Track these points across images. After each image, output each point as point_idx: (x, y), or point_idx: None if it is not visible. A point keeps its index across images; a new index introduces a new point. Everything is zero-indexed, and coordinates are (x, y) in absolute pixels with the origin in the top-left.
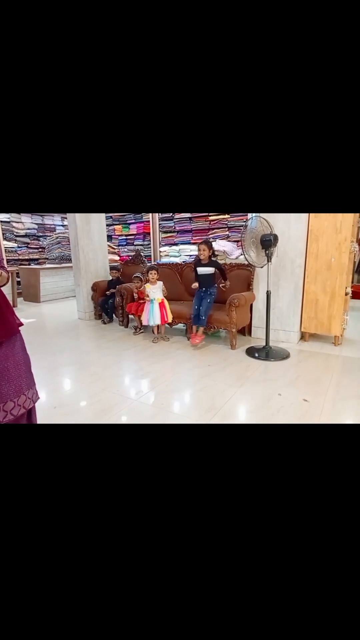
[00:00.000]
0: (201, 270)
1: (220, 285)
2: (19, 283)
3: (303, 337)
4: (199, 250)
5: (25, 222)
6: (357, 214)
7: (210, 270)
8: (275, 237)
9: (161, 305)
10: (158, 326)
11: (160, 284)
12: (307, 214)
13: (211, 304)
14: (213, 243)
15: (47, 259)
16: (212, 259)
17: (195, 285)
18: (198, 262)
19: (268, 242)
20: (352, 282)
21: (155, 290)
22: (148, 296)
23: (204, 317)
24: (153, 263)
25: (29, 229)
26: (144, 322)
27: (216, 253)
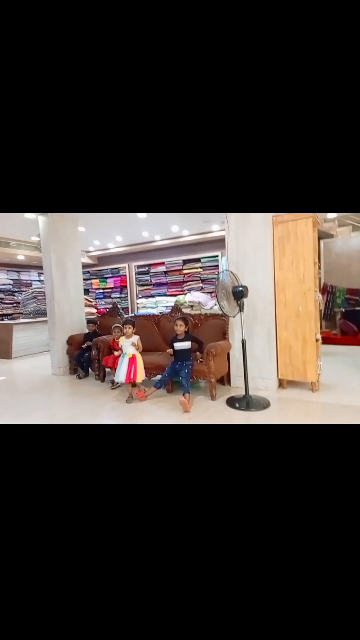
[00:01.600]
0: (178, 345)
1: (198, 360)
2: None
3: (281, 384)
4: (175, 325)
5: (1, 277)
6: (316, 266)
7: (187, 345)
8: (246, 288)
9: (131, 360)
10: (134, 383)
11: (135, 338)
12: (272, 268)
13: (189, 373)
14: (188, 295)
15: (22, 313)
16: (188, 333)
17: (171, 351)
18: (175, 337)
19: (240, 293)
20: (322, 328)
21: (127, 344)
22: (121, 350)
23: (187, 385)
24: (130, 315)
25: (3, 284)
26: (115, 377)
27: (191, 304)
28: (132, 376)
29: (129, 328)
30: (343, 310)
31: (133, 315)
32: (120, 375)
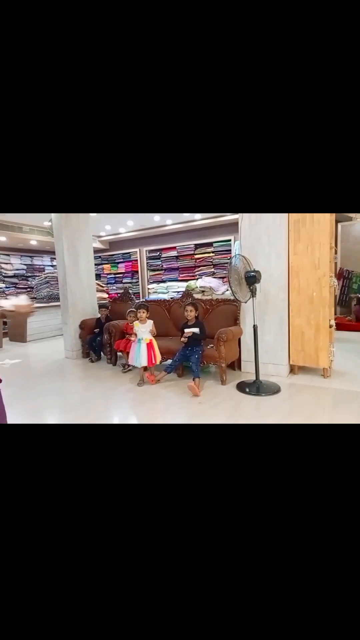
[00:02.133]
0: (188, 331)
1: (208, 346)
2: (5, 323)
3: (292, 370)
4: (185, 311)
5: (15, 262)
6: (332, 251)
7: (195, 330)
8: (258, 273)
9: (149, 346)
10: (146, 367)
11: (150, 323)
12: (286, 252)
13: (199, 359)
14: (199, 280)
15: (35, 298)
16: (197, 318)
17: (184, 339)
18: (185, 323)
19: (252, 278)
20: (336, 314)
21: (144, 330)
22: (135, 335)
23: (197, 370)
24: (141, 300)
25: (17, 269)
26: (130, 362)
27: (203, 289)
28: (154, 361)
29: (143, 312)
30: (359, 296)
31: (144, 300)
32: (142, 360)
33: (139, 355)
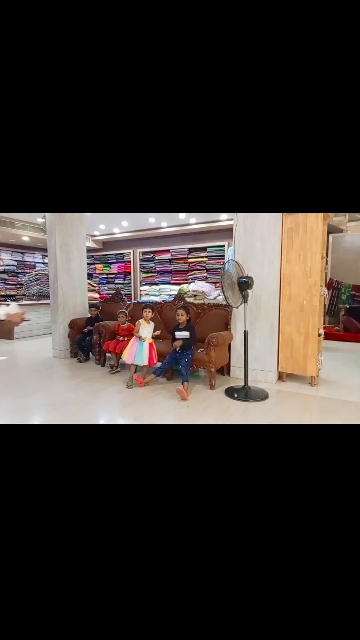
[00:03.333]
0: (179, 334)
1: (198, 350)
2: None
3: (280, 377)
4: (177, 314)
5: (5, 258)
6: (323, 260)
7: (186, 334)
8: (251, 279)
9: (150, 346)
10: (136, 367)
11: (153, 324)
12: (278, 260)
13: (189, 362)
14: (192, 284)
15: (25, 295)
16: (189, 322)
17: (176, 344)
18: (177, 326)
19: (245, 284)
20: (324, 324)
21: (149, 330)
22: (137, 332)
23: (186, 374)
24: (133, 301)
25: (8, 265)
26: (129, 361)
27: (195, 293)
28: (155, 361)
29: (149, 312)
30: (347, 306)
31: (136, 301)
32: (144, 359)
33: (141, 354)
